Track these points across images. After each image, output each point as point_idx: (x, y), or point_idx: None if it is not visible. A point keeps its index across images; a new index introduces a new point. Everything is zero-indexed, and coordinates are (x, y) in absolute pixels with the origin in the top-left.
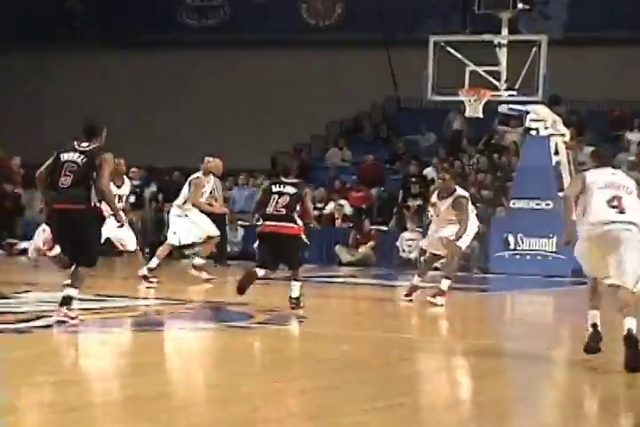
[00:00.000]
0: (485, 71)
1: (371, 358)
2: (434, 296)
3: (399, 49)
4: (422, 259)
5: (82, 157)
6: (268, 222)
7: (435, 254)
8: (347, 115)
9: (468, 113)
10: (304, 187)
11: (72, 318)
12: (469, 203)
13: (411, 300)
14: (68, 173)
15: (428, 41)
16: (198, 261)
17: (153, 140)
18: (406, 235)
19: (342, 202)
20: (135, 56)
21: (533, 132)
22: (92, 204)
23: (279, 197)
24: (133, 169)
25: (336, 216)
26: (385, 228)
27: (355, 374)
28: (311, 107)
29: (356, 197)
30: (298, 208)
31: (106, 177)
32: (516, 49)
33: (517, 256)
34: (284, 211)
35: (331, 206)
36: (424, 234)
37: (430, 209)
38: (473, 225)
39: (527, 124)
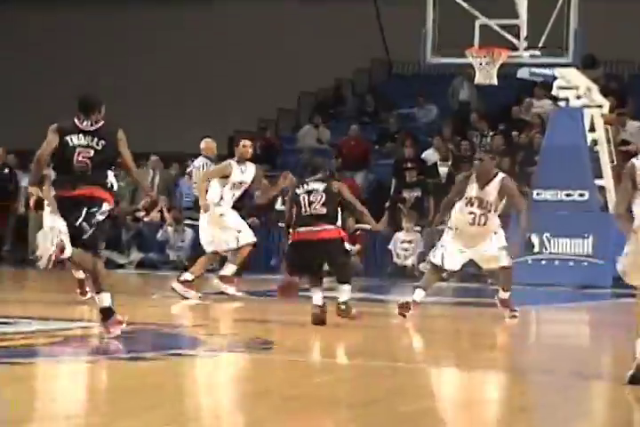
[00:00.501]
0: (500, 26)
1: (353, 393)
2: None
3: None
4: (426, 266)
5: (95, 139)
6: (301, 229)
7: (440, 267)
8: (324, 83)
9: (478, 79)
10: (332, 179)
11: (119, 323)
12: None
13: (404, 316)
14: (82, 158)
15: None
16: (231, 268)
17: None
18: (401, 236)
19: None
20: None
21: (562, 103)
22: (110, 187)
23: (309, 196)
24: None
25: None
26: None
27: (331, 414)
28: (279, 73)
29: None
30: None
31: (130, 158)
32: None
33: (543, 262)
34: (324, 210)
35: None
36: (430, 237)
37: (466, 206)
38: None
39: (554, 92)
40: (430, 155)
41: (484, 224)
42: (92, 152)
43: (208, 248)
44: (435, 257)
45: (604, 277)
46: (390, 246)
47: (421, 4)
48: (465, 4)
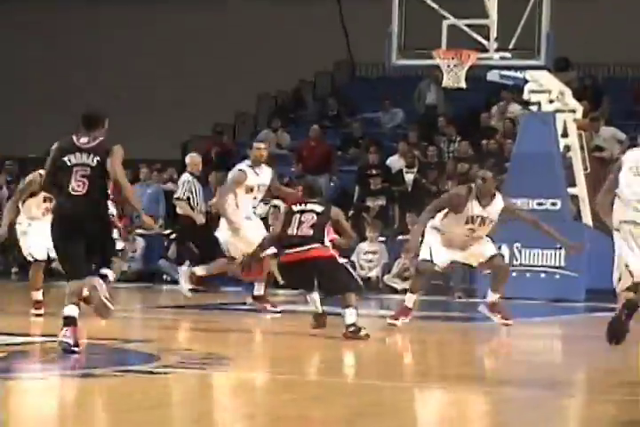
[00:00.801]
0: (469, 26)
1: (318, 412)
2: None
3: None
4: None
5: (91, 156)
6: (290, 250)
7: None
8: (283, 85)
9: (445, 82)
10: (330, 205)
11: (76, 345)
12: None
13: (394, 325)
14: (80, 178)
15: None
16: (259, 288)
17: (22, 123)
18: (365, 246)
19: (278, 202)
20: None
21: (534, 108)
22: (108, 211)
23: (302, 216)
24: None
25: (270, 222)
26: (336, 236)
27: None
28: (236, 75)
29: (296, 195)
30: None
31: (120, 170)
32: None
33: (514, 274)
34: (310, 232)
35: (263, 209)
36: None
37: (466, 224)
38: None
39: (525, 96)
40: (395, 161)
41: (480, 236)
42: (88, 170)
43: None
44: (423, 253)
45: (577, 290)
46: (353, 258)
47: (386, 3)
48: (432, 4)
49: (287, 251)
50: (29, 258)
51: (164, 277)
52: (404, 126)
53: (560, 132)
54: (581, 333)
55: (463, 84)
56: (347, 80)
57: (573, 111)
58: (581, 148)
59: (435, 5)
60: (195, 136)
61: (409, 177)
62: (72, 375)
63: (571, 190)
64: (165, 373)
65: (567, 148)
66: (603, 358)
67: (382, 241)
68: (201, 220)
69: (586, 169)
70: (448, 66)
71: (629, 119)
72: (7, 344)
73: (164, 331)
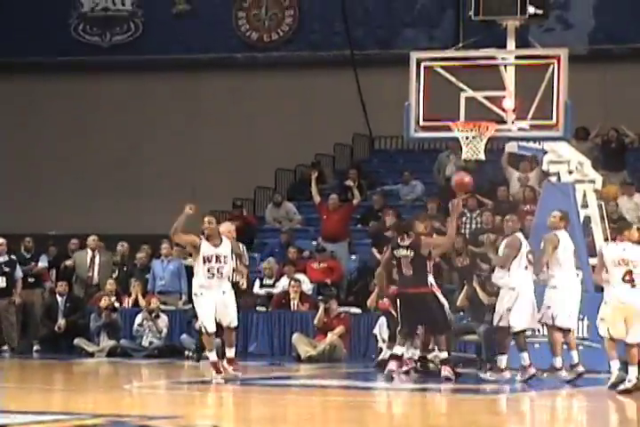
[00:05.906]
0: (487, 98)
1: None
2: None
3: (371, 70)
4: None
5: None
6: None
7: None
8: (302, 159)
9: (465, 154)
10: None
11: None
12: None
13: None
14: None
15: (410, 59)
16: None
17: (42, 200)
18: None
19: (300, 277)
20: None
21: (553, 179)
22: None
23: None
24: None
25: (292, 296)
26: (358, 310)
27: None
28: (255, 150)
29: (317, 269)
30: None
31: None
32: (527, 68)
33: (536, 346)
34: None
35: (284, 283)
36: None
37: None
38: None
39: (544, 167)
40: None
41: None
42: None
43: None
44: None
45: (600, 360)
46: (375, 331)
47: (404, 76)
48: (450, 76)
49: None
50: None
51: (186, 352)
52: (422, 199)
53: (580, 202)
54: (604, 405)
55: (482, 156)
56: (365, 153)
57: (593, 182)
58: (602, 218)
59: (452, 78)
60: (214, 211)
61: None
62: None
63: (592, 261)
64: None
65: (588, 218)
66: None
67: None
68: None
69: (607, 240)
70: (467, 138)
71: None
72: (37, 422)
73: (189, 407)
